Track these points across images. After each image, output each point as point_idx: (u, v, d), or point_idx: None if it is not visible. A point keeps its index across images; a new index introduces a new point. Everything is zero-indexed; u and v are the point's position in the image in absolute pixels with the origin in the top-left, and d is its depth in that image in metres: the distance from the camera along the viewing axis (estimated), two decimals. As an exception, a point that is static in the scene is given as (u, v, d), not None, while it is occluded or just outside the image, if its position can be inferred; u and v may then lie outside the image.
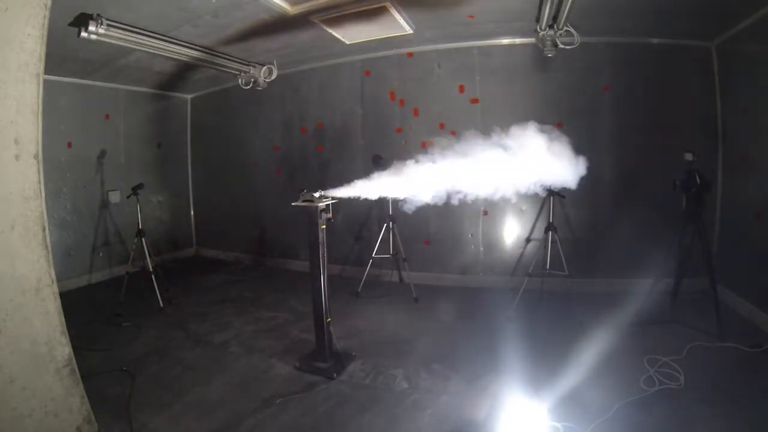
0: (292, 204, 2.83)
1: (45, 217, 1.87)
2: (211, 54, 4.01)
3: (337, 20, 3.47)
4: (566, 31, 3.22)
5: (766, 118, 3.19)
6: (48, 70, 1.86)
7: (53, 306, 1.90)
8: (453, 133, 3.59)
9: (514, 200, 2.78)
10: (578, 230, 4.16)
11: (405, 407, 2.41)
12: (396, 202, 2.79)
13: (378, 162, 4.17)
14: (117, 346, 3.24)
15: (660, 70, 3.94)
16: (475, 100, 4.41)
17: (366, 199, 2.78)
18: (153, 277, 4.06)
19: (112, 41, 3.15)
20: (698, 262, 3.18)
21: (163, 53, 3.65)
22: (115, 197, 5.18)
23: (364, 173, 2.81)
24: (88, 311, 3.94)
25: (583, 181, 2.57)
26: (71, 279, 4.68)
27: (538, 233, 3.93)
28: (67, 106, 4.73)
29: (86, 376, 2.07)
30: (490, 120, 3.85)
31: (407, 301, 4.16)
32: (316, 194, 2.76)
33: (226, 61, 4.20)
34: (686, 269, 3.30)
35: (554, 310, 3.70)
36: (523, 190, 2.55)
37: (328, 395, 2.56)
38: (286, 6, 3.18)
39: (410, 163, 2.62)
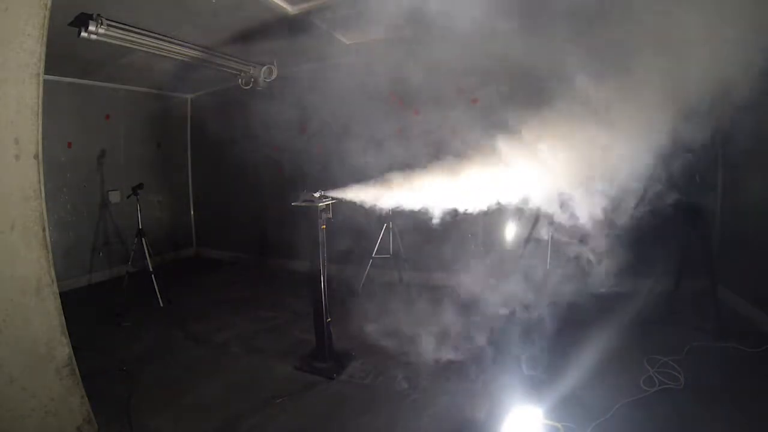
0: (292, 204, 2.83)
1: (45, 217, 1.87)
2: (211, 54, 4.01)
3: (337, 20, 3.47)
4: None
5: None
6: (48, 70, 1.86)
7: (53, 306, 1.90)
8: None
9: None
10: (578, 229, 4.15)
11: (405, 407, 2.41)
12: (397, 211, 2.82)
13: (377, 162, 4.16)
14: (117, 346, 3.24)
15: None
16: (475, 100, 4.41)
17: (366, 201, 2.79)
18: (153, 277, 4.07)
19: (112, 41, 3.15)
20: (698, 262, 3.18)
21: (163, 53, 3.64)
22: (115, 197, 5.18)
23: (364, 174, 2.81)
24: (88, 311, 3.94)
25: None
26: (71, 279, 4.67)
27: (538, 233, 3.92)
28: (67, 106, 4.73)
29: (86, 376, 2.07)
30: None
31: (407, 301, 4.16)
32: (316, 194, 2.76)
33: (226, 61, 4.20)
34: (686, 269, 3.30)
35: (554, 310, 3.69)
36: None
37: (328, 395, 2.56)
38: (286, 6, 3.18)
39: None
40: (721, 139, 3.86)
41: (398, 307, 4.06)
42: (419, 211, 2.72)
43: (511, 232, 4.46)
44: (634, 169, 2.36)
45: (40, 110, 1.83)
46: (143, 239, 4.09)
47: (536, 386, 2.42)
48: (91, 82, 4.94)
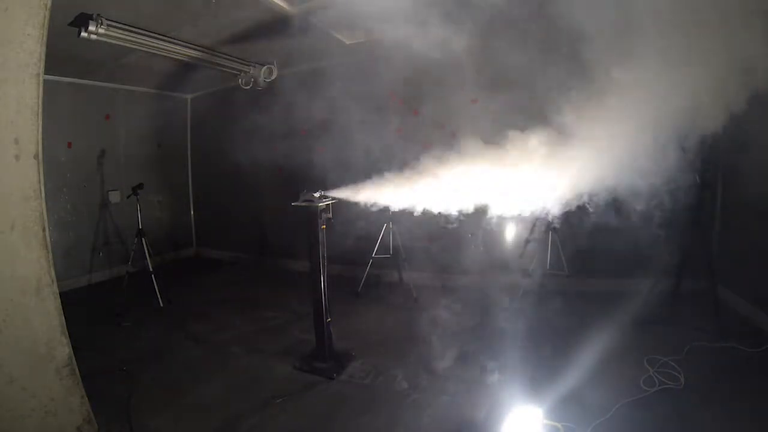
0: (293, 204, 2.83)
1: (45, 217, 1.87)
2: (211, 54, 4.01)
3: (337, 20, 3.47)
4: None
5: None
6: (48, 70, 1.86)
7: (53, 306, 1.90)
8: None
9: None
10: (578, 230, 4.15)
11: (405, 407, 2.41)
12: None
13: (378, 162, 4.16)
14: (117, 346, 3.24)
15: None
16: (475, 101, 4.40)
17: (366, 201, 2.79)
18: (153, 277, 4.06)
19: (112, 41, 3.15)
20: (698, 262, 3.18)
21: (163, 53, 3.65)
22: (115, 197, 5.19)
23: (364, 174, 2.82)
24: (88, 311, 3.94)
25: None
26: (71, 279, 4.67)
27: (539, 233, 3.92)
28: (67, 106, 4.73)
29: (86, 376, 2.07)
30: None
31: (407, 301, 4.16)
32: (316, 194, 2.77)
33: (226, 61, 4.20)
34: (686, 269, 3.30)
35: (554, 310, 3.69)
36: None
37: (328, 395, 2.56)
38: (286, 6, 3.18)
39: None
40: (721, 138, 3.86)
41: (398, 306, 4.07)
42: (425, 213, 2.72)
43: (510, 232, 4.46)
44: (634, 169, 2.35)
45: (40, 110, 1.83)
46: (143, 239, 4.09)
47: (536, 386, 2.41)
48: (91, 82, 4.94)
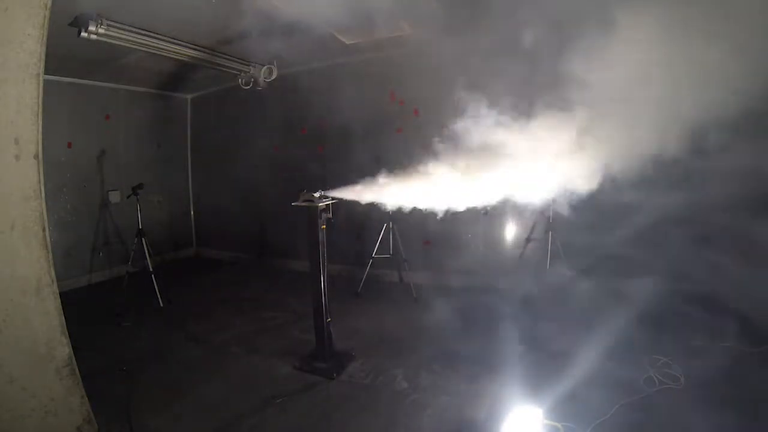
0: (292, 204, 2.83)
1: (45, 217, 1.87)
2: (211, 54, 4.01)
3: (337, 20, 3.47)
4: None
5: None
6: (48, 70, 1.86)
7: (53, 306, 1.90)
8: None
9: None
10: (578, 230, 4.15)
11: (405, 407, 2.41)
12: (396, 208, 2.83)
13: (378, 162, 4.16)
14: (117, 346, 3.24)
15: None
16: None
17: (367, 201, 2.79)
18: (153, 277, 4.07)
19: (112, 41, 3.15)
20: (696, 262, 3.18)
21: (163, 53, 3.65)
22: (115, 197, 5.19)
23: (364, 174, 2.81)
24: (88, 311, 3.94)
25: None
26: (71, 279, 4.67)
27: (538, 233, 3.92)
28: (67, 106, 4.73)
29: (86, 376, 2.07)
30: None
31: (407, 301, 4.16)
32: (316, 194, 2.76)
33: (226, 61, 4.20)
34: (685, 269, 3.29)
35: (554, 310, 3.69)
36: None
37: (328, 395, 2.56)
38: (285, 6, 3.18)
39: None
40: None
41: (398, 307, 4.06)
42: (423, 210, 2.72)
43: (510, 232, 4.46)
44: (634, 169, 2.36)
45: (40, 110, 1.83)
46: (143, 239, 4.09)
47: (536, 386, 2.41)
48: (91, 82, 4.94)
